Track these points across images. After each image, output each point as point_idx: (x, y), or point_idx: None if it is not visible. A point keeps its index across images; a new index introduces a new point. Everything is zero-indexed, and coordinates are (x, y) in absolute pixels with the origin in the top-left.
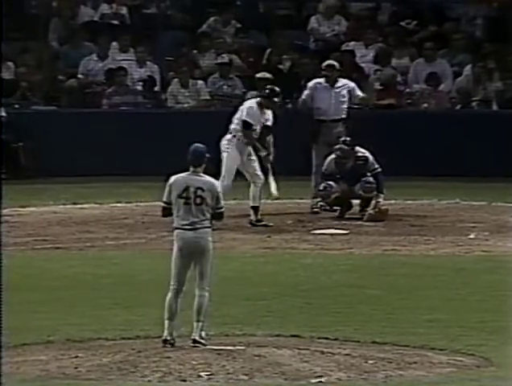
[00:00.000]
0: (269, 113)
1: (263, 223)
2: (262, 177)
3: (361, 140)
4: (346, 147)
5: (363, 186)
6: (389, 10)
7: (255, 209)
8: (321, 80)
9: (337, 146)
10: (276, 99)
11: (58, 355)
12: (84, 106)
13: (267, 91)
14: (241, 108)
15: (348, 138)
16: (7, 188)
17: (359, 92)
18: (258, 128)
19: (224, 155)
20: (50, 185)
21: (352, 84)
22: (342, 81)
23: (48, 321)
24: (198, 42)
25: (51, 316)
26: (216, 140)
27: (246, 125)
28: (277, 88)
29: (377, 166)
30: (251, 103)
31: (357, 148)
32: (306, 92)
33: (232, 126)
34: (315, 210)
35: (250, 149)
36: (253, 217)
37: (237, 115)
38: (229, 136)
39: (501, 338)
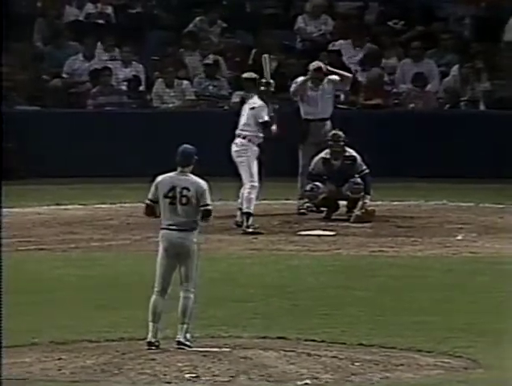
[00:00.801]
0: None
1: (251, 230)
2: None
3: (348, 140)
4: (341, 133)
5: (351, 187)
6: (376, 9)
7: (248, 215)
8: (308, 82)
9: (332, 133)
10: (266, 87)
11: (42, 357)
12: (68, 106)
13: (262, 86)
14: (249, 110)
15: (340, 132)
16: None
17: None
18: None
19: (242, 159)
20: (34, 186)
21: (333, 77)
22: (329, 78)
23: (32, 323)
24: (184, 41)
25: (35, 318)
26: (202, 140)
27: (268, 124)
28: (271, 81)
29: (364, 166)
30: (261, 103)
31: (346, 147)
32: (295, 86)
33: (244, 132)
34: (302, 211)
35: (257, 152)
36: (239, 219)
37: (246, 119)
38: (243, 140)
39: (489, 339)
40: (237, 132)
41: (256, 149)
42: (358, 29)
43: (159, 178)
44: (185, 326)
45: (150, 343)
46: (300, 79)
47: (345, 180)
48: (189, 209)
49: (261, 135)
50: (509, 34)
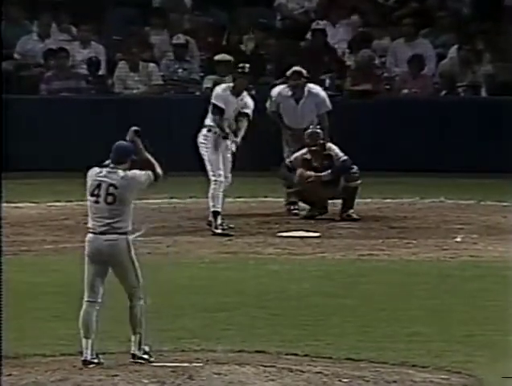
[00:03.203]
0: (247, 99)
1: (220, 231)
2: (229, 179)
3: (333, 130)
4: (319, 131)
5: (346, 177)
6: None
7: (215, 214)
8: (286, 89)
9: (309, 132)
10: (245, 69)
11: None
12: (19, 92)
13: (239, 69)
14: (239, 101)
15: (318, 130)
16: None
17: (327, 108)
18: (231, 114)
19: (203, 152)
20: None
21: (321, 95)
22: (310, 90)
23: None
24: (150, 19)
25: None
26: (170, 130)
27: (215, 110)
28: (247, 64)
29: (342, 154)
30: (221, 86)
31: (326, 145)
32: (270, 103)
33: (207, 122)
34: (295, 211)
35: (228, 143)
36: (211, 218)
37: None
38: (204, 131)
39: (490, 353)
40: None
41: (220, 141)
42: (345, 6)
43: (89, 171)
44: (138, 336)
45: (86, 362)
46: (275, 92)
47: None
48: (118, 209)
49: (230, 127)
50: None
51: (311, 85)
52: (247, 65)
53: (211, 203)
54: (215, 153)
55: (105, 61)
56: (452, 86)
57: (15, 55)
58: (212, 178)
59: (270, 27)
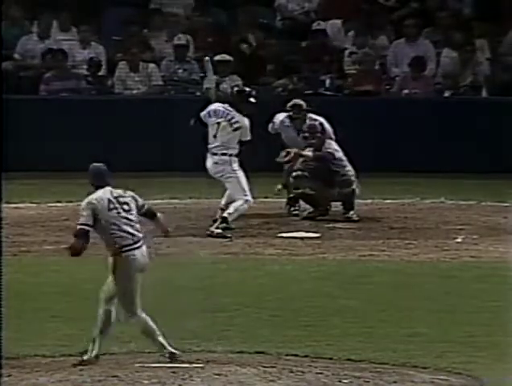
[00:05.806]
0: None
1: (219, 230)
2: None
3: (334, 131)
4: (317, 124)
5: (339, 182)
6: None
7: (224, 220)
8: (288, 119)
9: (308, 124)
10: (252, 100)
11: None
12: (17, 92)
13: (245, 93)
14: (233, 131)
15: (316, 122)
16: None
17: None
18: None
19: (231, 175)
20: None
21: (323, 126)
22: (311, 120)
23: None
24: (149, 19)
25: None
26: (170, 130)
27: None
28: (247, 89)
29: (336, 149)
30: (245, 120)
31: (326, 141)
32: (272, 127)
33: (224, 150)
34: (296, 213)
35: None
36: (218, 216)
37: (226, 139)
38: (224, 157)
39: (491, 354)
40: (215, 149)
41: (236, 159)
42: (345, 6)
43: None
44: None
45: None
46: (278, 120)
47: (330, 179)
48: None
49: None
50: None
51: (312, 115)
52: (254, 93)
53: (230, 211)
54: (241, 173)
55: (106, 61)
56: (453, 86)
57: (15, 56)
58: (244, 198)
59: (270, 27)
